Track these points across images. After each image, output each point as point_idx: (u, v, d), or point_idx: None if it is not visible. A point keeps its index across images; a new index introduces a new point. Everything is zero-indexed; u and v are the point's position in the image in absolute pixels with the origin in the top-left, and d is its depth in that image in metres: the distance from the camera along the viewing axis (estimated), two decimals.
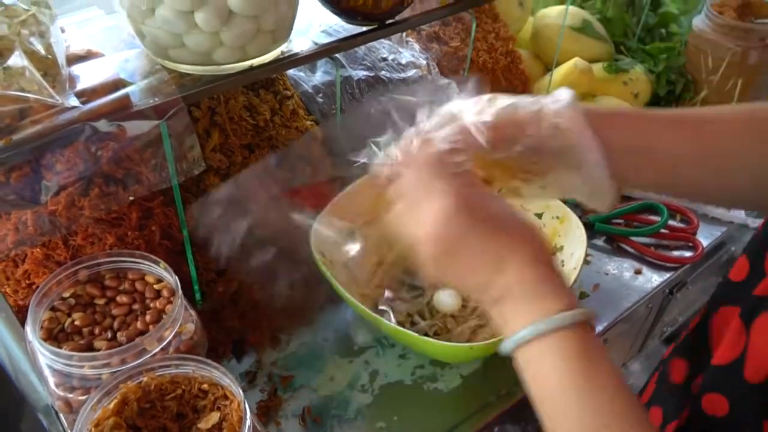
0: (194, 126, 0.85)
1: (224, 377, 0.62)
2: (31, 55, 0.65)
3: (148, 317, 0.69)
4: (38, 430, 0.79)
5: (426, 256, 0.51)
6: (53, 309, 0.69)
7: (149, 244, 0.78)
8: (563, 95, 0.55)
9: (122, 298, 0.71)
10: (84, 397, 0.62)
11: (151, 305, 0.71)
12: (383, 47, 1.01)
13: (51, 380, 0.64)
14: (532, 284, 0.49)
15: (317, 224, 0.80)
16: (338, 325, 0.92)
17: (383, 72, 0.98)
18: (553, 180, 0.58)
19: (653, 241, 1.06)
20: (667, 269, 1.02)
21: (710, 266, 1.09)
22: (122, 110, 0.69)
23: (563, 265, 0.87)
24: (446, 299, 0.85)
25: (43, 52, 0.66)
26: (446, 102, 0.61)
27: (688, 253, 1.04)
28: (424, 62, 1.03)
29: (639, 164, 0.56)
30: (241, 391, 0.61)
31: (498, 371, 0.87)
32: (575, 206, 0.89)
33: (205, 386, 0.63)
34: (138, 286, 0.72)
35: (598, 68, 1.21)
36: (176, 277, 0.70)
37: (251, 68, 0.76)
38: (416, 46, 1.04)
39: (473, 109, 0.57)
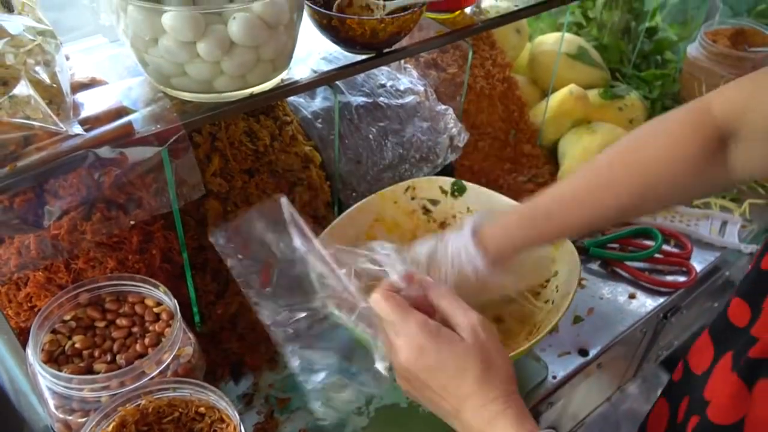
0: (195, 151, 0.87)
1: (221, 401, 0.63)
2: (36, 83, 0.67)
3: (147, 340, 0.70)
4: None
5: (399, 382, 0.60)
6: (54, 332, 0.71)
7: (149, 268, 0.79)
8: (475, 258, 0.71)
9: (122, 321, 0.72)
10: (83, 420, 0.64)
11: (151, 328, 0.72)
12: (381, 74, 1.04)
13: (51, 402, 0.65)
14: (488, 419, 0.54)
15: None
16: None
17: (381, 98, 1.00)
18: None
19: (647, 265, 1.07)
20: (661, 294, 1.03)
21: (704, 291, 1.10)
22: (125, 137, 0.71)
23: (557, 291, 0.88)
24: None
25: (48, 80, 0.68)
26: None
27: (682, 278, 1.05)
28: (422, 89, 1.05)
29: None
30: (237, 415, 0.62)
31: None
32: None
33: (202, 409, 0.64)
34: (138, 309, 0.74)
35: (593, 94, 1.23)
36: (175, 301, 0.71)
37: (251, 96, 0.77)
38: (414, 73, 1.07)
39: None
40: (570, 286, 0.84)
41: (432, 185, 0.97)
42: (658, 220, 1.14)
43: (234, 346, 0.90)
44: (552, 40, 1.22)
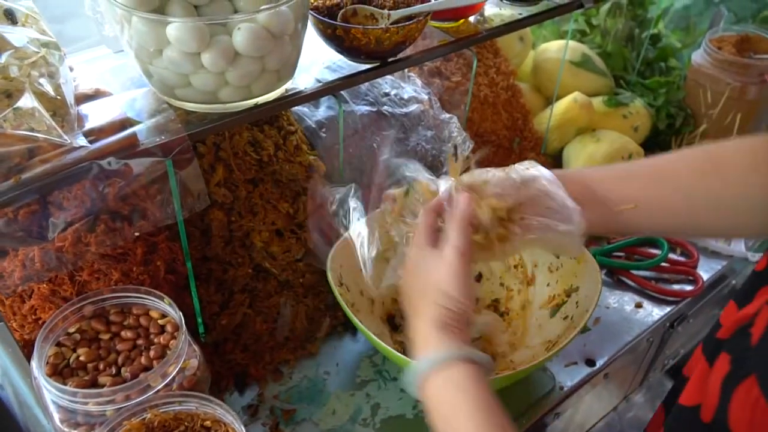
0: (199, 161, 0.86)
1: (227, 414, 0.63)
2: (40, 95, 0.66)
3: (152, 352, 0.70)
4: None
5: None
6: (59, 344, 0.70)
7: (154, 279, 0.78)
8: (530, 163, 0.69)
9: (126, 334, 0.72)
10: None
11: (155, 340, 0.72)
12: (385, 82, 1.03)
13: (56, 416, 0.64)
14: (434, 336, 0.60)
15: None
16: (340, 358, 0.93)
17: (385, 107, 1.00)
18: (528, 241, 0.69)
19: (654, 274, 1.06)
20: (667, 303, 1.02)
21: (711, 299, 1.10)
22: (129, 149, 0.71)
23: (577, 307, 0.87)
24: None
25: (52, 92, 0.67)
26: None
27: (688, 287, 1.05)
28: (426, 97, 1.04)
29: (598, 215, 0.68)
30: (243, 428, 0.62)
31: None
32: None
33: (207, 423, 0.64)
34: (142, 321, 0.73)
35: (597, 102, 1.22)
36: (180, 313, 0.71)
37: (256, 106, 0.77)
38: (418, 81, 1.06)
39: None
40: (590, 303, 0.84)
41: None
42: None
43: (238, 356, 0.89)
44: (555, 48, 1.22)
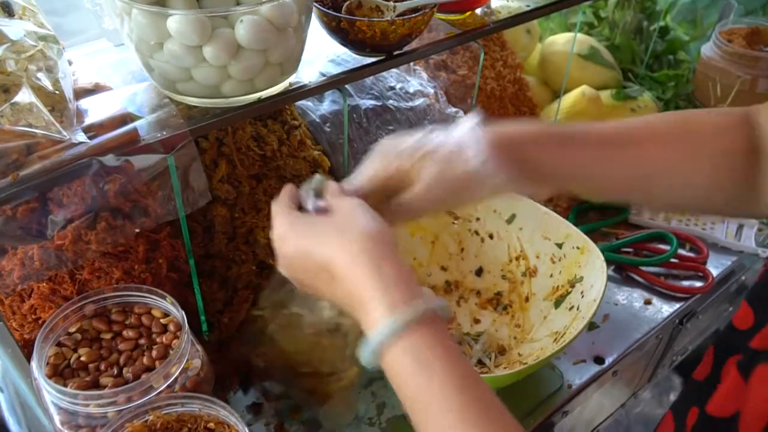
0: (201, 157, 0.85)
1: (231, 416, 0.62)
2: (38, 90, 0.65)
3: (154, 352, 0.68)
4: None
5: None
6: (59, 344, 0.69)
7: (156, 277, 0.77)
8: (467, 122, 0.59)
9: (128, 333, 0.71)
10: None
11: (158, 340, 0.70)
12: (391, 76, 1.02)
13: (56, 418, 0.63)
14: (362, 290, 0.48)
15: None
16: None
17: (391, 101, 0.98)
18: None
19: (663, 270, 1.05)
20: (677, 299, 1.01)
21: (720, 296, 1.08)
22: (130, 144, 0.69)
23: (582, 297, 0.86)
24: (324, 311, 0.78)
25: (50, 87, 0.66)
26: None
27: (698, 283, 1.03)
28: (432, 91, 1.03)
29: (561, 186, 0.63)
30: (247, 430, 0.61)
31: (508, 402, 0.85)
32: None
33: (211, 425, 0.62)
34: (144, 320, 0.72)
35: (606, 95, 1.21)
36: (183, 312, 0.69)
37: (259, 100, 0.76)
38: (424, 75, 1.04)
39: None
40: (596, 293, 0.83)
41: None
42: (673, 223, 1.12)
43: (242, 355, 0.88)
44: (563, 41, 1.20)
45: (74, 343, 0.69)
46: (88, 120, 0.69)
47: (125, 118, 0.70)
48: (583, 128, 0.62)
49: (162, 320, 0.72)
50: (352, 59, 0.88)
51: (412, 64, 1.06)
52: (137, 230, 0.73)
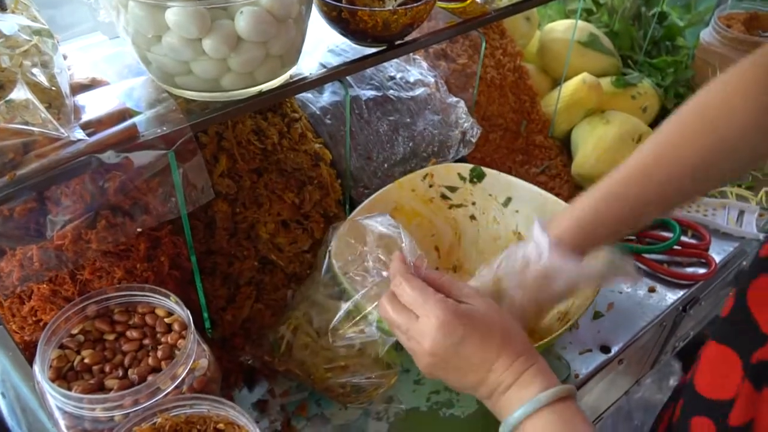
0: (201, 152, 0.83)
1: (241, 416, 0.61)
2: (34, 86, 0.63)
3: (159, 353, 0.67)
4: None
5: (424, 366, 0.60)
6: (62, 347, 0.67)
7: (158, 275, 0.76)
8: (543, 244, 0.67)
9: (132, 333, 0.69)
10: None
11: (163, 340, 0.69)
12: (391, 66, 1.00)
13: (62, 422, 0.61)
14: (517, 375, 0.57)
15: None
16: None
17: (391, 91, 0.96)
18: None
19: (666, 257, 1.04)
20: (681, 287, 1.01)
21: (722, 281, 1.08)
22: (129, 141, 0.68)
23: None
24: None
25: (46, 83, 0.64)
26: None
27: (701, 270, 1.03)
28: (433, 80, 1.01)
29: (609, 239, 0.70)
30: (258, 430, 0.60)
31: None
32: None
33: (221, 426, 0.61)
34: (148, 320, 0.70)
35: (605, 82, 1.19)
36: (187, 311, 0.68)
37: (260, 94, 0.74)
38: (424, 64, 1.03)
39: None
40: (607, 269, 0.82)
41: (450, 172, 0.96)
42: (675, 211, 1.11)
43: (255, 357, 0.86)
44: (562, 28, 1.19)
45: (77, 345, 0.68)
46: (86, 116, 0.68)
47: (124, 114, 0.69)
48: (618, 177, 0.67)
49: (166, 319, 0.70)
50: (351, 49, 0.86)
51: (411, 53, 1.04)
52: (139, 229, 0.72)
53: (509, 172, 1.11)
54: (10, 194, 0.60)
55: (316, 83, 0.80)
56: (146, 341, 0.69)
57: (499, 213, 0.97)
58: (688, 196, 0.71)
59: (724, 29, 1.17)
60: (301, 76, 0.79)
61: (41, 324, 0.70)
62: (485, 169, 0.96)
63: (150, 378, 0.64)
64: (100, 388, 0.64)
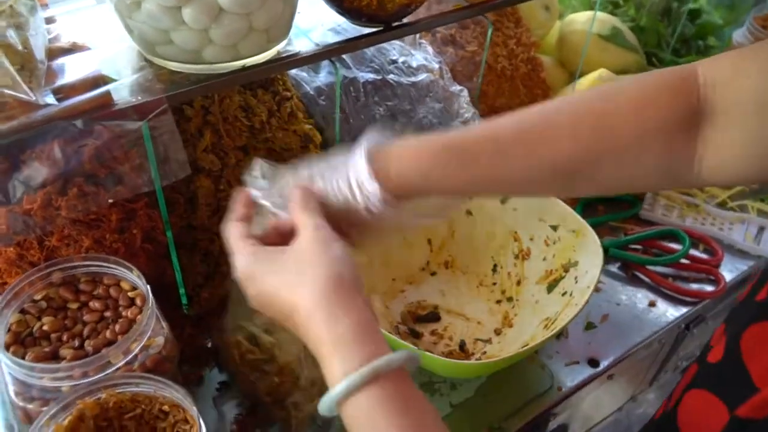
0: (186, 125, 0.81)
1: (185, 400, 0.59)
2: (6, 48, 0.62)
3: (117, 327, 0.66)
4: None
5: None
6: (23, 311, 0.67)
7: (129, 248, 0.74)
8: (371, 192, 0.55)
9: (95, 304, 0.68)
10: (43, 409, 0.60)
11: (123, 314, 0.68)
12: (394, 48, 0.96)
13: (11, 388, 0.61)
14: (321, 345, 0.48)
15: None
16: None
17: (391, 75, 0.93)
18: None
19: (672, 271, 0.99)
20: (684, 303, 0.95)
21: (732, 302, 1.02)
22: (102, 108, 0.66)
23: (576, 282, 0.82)
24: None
25: (19, 45, 0.63)
26: None
27: (709, 287, 0.97)
28: (437, 66, 0.97)
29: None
30: (200, 417, 0.58)
31: (493, 398, 0.82)
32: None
33: (165, 407, 0.60)
34: (112, 292, 0.69)
35: None
36: (148, 287, 0.66)
37: (243, 68, 0.72)
38: (429, 49, 0.99)
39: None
40: (590, 279, 0.79)
41: None
42: (687, 221, 1.05)
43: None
44: (583, 19, 1.13)
45: (39, 311, 0.67)
46: (60, 81, 0.66)
47: (98, 81, 0.67)
48: (476, 137, 0.56)
49: (130, 293, 0.69)
50: (351, 30, 0.83)
51: (417, 37, 1.00)
52: (111, 200, 0.70)
53: None
54: None
55: (304, 61, 0.77)
56: (108, 313, 0.68)
57: (497, 210, 0.93)
58: (547, 188, 0.60)
59: (759, 30, 1.10)
60: (290, 53, 0.76)
61: (5, 287, 0.69)
62: None
63: (103, 351, 0.62)
64: (54, 356, 0.64)
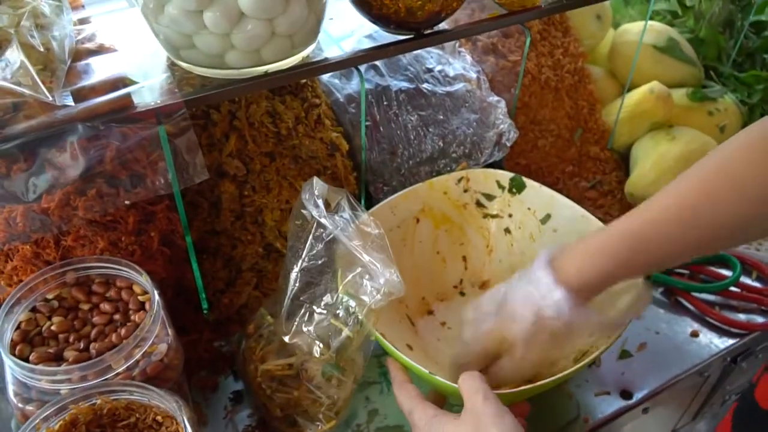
0: (212, 129, 0.81)
1: (179, 412, 0.58)
2: (29, 48, 0.63)
3: (123, 331, 0.65)
4: None
5: None
6: (34, 310, 0.67)
7: (146, 251, 0.74)
8: (555, 296, 0.61)
9: (105, 306, 0.68)
10: None
11: (132, 318, 0.67)
12: (431, 56, 0.93)
13: (11, 388, 0.61)
14: None
15: None
16: None
17: (426, 84, 0.90)
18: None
19: (719, 299, 0.91)
20: (731, 335, 0.88)
21: None
22: (122, 110, 0.66)
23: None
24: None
25: (41, 47, 0.63)
26: None
27: (760, 318, 0.89)
28: (475, 76, 0.93)
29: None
30: (190, 429, 0.56)
31: None
32: None
33: (159, 418, 0.59)
34: (124, 295, 0.69)
35: (680, 94, 1.06)
36: (155, 291, 0.65)
37: (266, 74, 0.70)
38: (468, 58, 0.95)
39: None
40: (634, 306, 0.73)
41: (488, 178, 0.88)
42: (740, 246, 0.98)
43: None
44: (637, 29, 1.07)
45: (50, 310, 0.67)
46: (82, 82, 0.67)
47: (118, 83, 0.67)
48: (640, 221, 0.59)
49: (140, 297, 0.68)
50: (388, 37, 0.80)
51: (456, 45, 0.97)
52: (127, 202, 0.70)
53: (556, 184, 1.03)
54: None
55: (330, 68, 0.75)
56: (117, 316, 0.67)
57: (536, 230, 0.88)
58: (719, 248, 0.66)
59: None
60: (317, 59, 0.74)
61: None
62: (526, 180, 0.87)
63: (106, 355, 0.62)
64: (58, 358, 0.63)
